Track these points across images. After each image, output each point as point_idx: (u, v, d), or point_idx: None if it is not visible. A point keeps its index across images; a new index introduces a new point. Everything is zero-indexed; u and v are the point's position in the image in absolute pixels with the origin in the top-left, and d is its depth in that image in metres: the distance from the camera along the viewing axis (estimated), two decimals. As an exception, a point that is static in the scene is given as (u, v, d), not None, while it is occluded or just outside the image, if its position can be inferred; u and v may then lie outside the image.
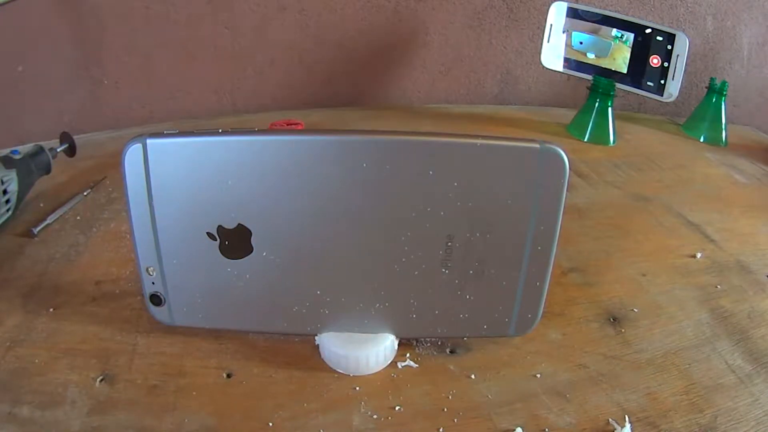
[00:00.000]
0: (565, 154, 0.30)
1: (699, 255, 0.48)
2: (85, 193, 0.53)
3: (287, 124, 0.67)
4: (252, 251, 0.32)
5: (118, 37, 0.71)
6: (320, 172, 0.30)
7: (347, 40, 0.79)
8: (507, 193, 0.30)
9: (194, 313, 0.34)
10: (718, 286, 0.44)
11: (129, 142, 0.30)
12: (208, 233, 0.31)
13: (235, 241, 0.32)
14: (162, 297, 0.34)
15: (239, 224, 0.31)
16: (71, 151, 0.57)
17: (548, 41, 0.74)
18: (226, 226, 0.31)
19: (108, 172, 0.58)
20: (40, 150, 0.52)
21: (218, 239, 0.31)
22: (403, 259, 0.32)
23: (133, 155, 0.30)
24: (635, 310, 0.41)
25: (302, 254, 0.32)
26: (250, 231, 0.31)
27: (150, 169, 0.30)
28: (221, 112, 0.79)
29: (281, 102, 0.81)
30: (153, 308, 0.34)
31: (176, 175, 0.30)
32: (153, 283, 0.33)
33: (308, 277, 0.32)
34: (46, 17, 0.67)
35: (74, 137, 0.57)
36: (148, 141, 0.30)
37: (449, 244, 0.31)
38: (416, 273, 0.32)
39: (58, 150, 0.55)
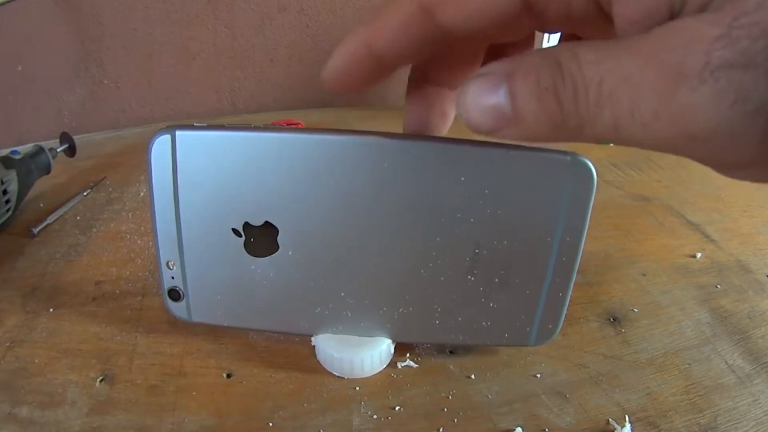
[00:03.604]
0: (593, 167, 0.29)
1: (699, 255, 0.48)
2: (85, 193, 0.53)
3: (287, 124, 0.67)
4: (277, 249, 0.31)
5: (118, 37, 0.71)
6: (352, 173, 0.29)
7: (347, 40, 0.79)
8: (535, 202, 0.30)
9: (213, 310, 0.34)
10: (718, 286, 0.44)
11: (157, 133, 0.29)
12: (233, 229, 0.31)
13: (260, 239, 0.31)
14: (181, 292, 0.33)
15: (266, 222, 0.30)
16: (71, 151, 0.57)
17: (548, 41, 0.74)
18: (252, 223, 0.31)
19: (108, 172, 0.58)
20: (40, 150, 0.52)
21: (243, 236, 0.31)
22: (430, 264, 0.31)
23: (160, 146, 0.29)
24: (635, 310, 0.41)
25: (328, 255, 0.31)
26: (276, 229, 0.31)
27: (177, 161, 0.29)
28: (221, 112, 0.79)
29: (281, 102, 0.81)
30: (171, 303, 0.34)
31: (204, 169, 0.30)
32: (172, 277, 0.33)
33: (333, 279, 0.32)
34: (46, 17, 0.67)
35: (74, 137, 0.57)
36: (178, 132, 0.29)
37: (476, 250, 0.31)
38: (442, 278, 0.31)
39: (58, 150, 0.55)
